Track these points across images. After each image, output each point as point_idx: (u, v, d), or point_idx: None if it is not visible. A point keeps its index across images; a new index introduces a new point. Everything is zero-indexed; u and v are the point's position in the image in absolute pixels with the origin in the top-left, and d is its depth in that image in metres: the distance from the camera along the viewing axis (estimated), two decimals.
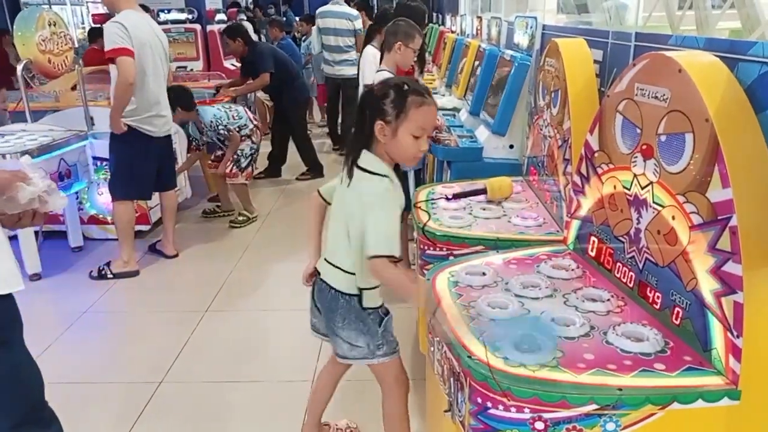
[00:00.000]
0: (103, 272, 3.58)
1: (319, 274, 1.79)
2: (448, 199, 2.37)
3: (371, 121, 1.61)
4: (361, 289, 1.72)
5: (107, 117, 3.52)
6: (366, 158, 1.64)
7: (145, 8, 6.26)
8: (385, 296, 1.80)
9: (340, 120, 6.46)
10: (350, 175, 1.65)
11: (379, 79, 2.98)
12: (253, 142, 4.42)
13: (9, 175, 1.39)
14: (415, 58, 3.29)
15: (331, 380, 1.99)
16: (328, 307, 1.76)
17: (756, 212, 1.17)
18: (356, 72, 5.02)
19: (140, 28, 3.36)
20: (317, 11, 6.20)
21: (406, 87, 1.61)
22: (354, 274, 1.70)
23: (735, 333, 1.18)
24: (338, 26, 5.97)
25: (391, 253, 1.56)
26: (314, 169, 5.67)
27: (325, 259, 1.77)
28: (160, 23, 4.72)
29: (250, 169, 4.50)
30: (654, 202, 1.43)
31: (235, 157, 4.33)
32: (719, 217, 1.21)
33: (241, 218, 4.48)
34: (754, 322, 1.15)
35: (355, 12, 6.07)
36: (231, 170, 4.36)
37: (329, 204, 1.81)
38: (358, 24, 5.96)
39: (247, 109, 4.51)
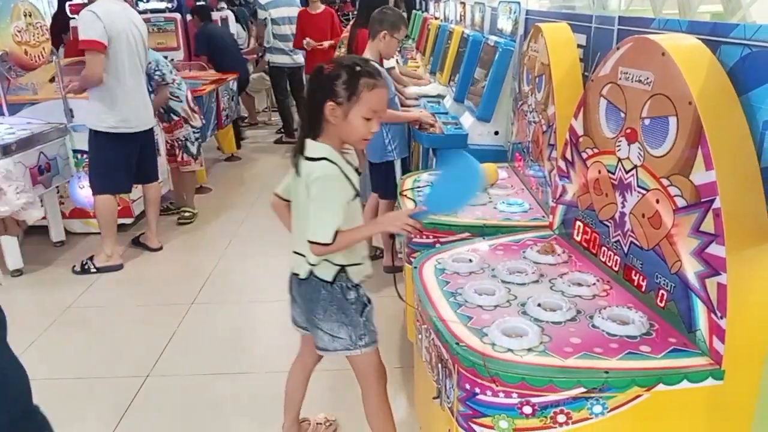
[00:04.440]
0: (86, 267, 3.53)
1: (294, 272, 1.76)
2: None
3: (321, 102, 1.59)
4: (343, 267, 1.69)
5: (87, 109, 3.47)
6: (310, 147, 1.64)
7: None
8: (365, 284, 1.79)
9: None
10: (296, 165, 1.64)
11: None
12: (192, 126, 4.29)
13: None
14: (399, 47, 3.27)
15: (303, 376, 1.98)
16: (309, 299, 1.73)
17: (739, 194, 1.18)
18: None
19: (115, 16, 3.29)
20: (265, 2, 6.18)
21: (358, 68, 1.59)
22: (327, 261, 1.69)
23: (719, 314, 1.19)
24: (293, 15, 5.95)
25: (318, 240, 1.59)
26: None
27: (296, 252, 1.73)
28: (139, 12, 4.63)
29: (201, 157, 4.40)
30: (638, 186, 1.44)
31: (180, 143, 4.23)
32: (703, 200, 1.21)
33: (187, 215, 4.31)
34: (737, 303, 1.16)
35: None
36: (182, 158, 4.26)
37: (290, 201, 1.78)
38: None
39: (189, 93, 4.31)
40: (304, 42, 5.57)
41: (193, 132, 4.31)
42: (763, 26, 1.17)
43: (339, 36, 5.62)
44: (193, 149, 4.31)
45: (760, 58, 1.17)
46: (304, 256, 1.70)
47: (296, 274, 1.75)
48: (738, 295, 1.16)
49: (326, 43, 5.52)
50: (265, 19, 6.12)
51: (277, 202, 1.80)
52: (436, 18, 6.02)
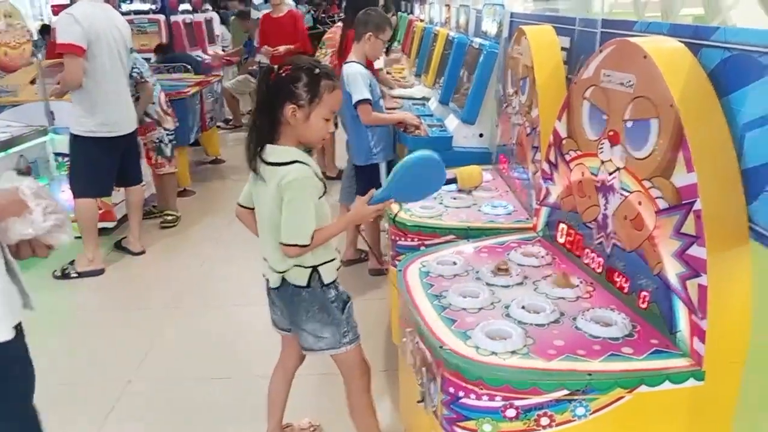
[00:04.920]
0: (67, 271, 3.48)
1: (267, 279, 1.76)
2: None
3: (281, 105, 1.58)
4: (315, 268, 1.68)
5: (68, 112, 3.43)
6: (272, 152, 1.62)
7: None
8: (350, 287, 1.79)
9: None
10: (258, 172, 1.62)
11: (349, 72, 2.97)
12: (165, 129, 4.22)
13: (5, 202, 1.15)
14: (384, 48, 3.27)
15: (285, 379, 1.97)
16: (290, 302, 1.73)
17: (719, 196, 1.19)
18: None
19: (95, 18, 3.24)
20: (258, 2, 6.17)
21: (317, 70, 1.60)
22: (298, 266, 1.68)
23: (699, 315, 1.19)
24: None
25: (297, 242, 1.60)
26: None
27: (269, 266, 1.73)
28: (122, 14, 4.59)
29: (176, 159, 4.35)
30: (621, 188, 1.44)
31: (153, 145, 4.17)
32: (684, 202, 1.22)
33: (170, 218, 4.26)
34: (717, 304, 1.17)
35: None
36: (157, 160, 4.20)
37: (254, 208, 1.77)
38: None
39: (162, 95, 4.26)
40: (263, 49, 5.39)
41: (167, 134, 4.23)
42: (742, 30, 1.18)
43: (302, 40, 5.40)
44: (167, 151, 4.23)
45: (740, 61, 1.18)
46: (270, 265, 1.71)
47: (268, 280, 1.74)
48: (718, 296, 1.17)
49: (282, 48, 5.22)
50: (258, 19, 6.09)
51: (242, 211, 1.80)
52: (421, 20, 6.03)
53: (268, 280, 1.77)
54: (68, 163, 3.72)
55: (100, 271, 3.53)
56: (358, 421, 1.85)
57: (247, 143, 1.64)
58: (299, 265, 1.67)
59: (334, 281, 1.73)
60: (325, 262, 1.70)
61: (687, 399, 1.23)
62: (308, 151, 1.72)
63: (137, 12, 7.05)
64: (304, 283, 1.68)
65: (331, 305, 1.71)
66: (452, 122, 3.08)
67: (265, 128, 1.62)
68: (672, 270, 1.27)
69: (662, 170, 1.28)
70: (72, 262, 3.51)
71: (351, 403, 1.85)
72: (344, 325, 1.74)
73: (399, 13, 7.76)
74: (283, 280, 1.70)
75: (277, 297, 1.77)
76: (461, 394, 1.25)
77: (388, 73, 4.67)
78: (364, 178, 3.15)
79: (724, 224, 1.18)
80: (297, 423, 2.11)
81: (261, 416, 2.03)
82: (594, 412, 1.21)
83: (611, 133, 1.48)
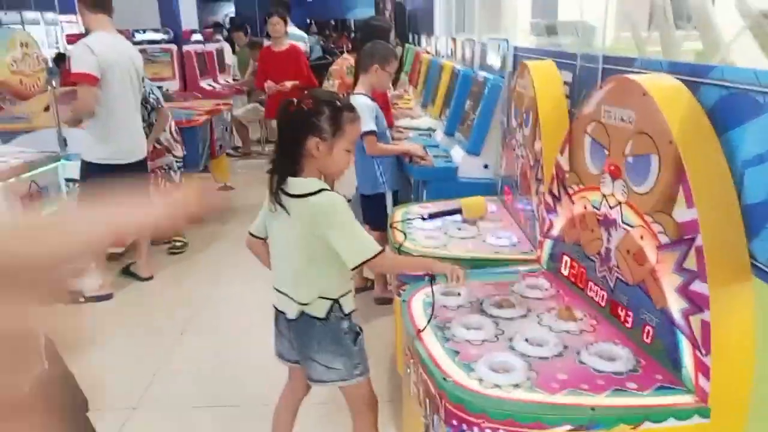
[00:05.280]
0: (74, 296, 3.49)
1: (281, 310, 1.76)
2: (423, 219, 2.38)
3: (303, 138, 1.59)
4: (337, 300, 1.68)
5: (81, 139, 3.49)
6: (296, 184, 1.62)
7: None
8: (356, 315, 1.79)
9: None
10: (282, 205, 1.62)
11: (355, 104, 3.02)
12: (174, 156, 4.28)
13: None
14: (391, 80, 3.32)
15: (290, 410, 1.95)
16: (303, 334, 1.72)
17: (720, 232, 1.20)
18: None
19: (108, 48, 3.32)
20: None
21: (338, 103, 1.64)
22: (321, 298, 1.68)
23: (703, 351, 1.19)
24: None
25: (374, 252, 1.59)
26: None
27: (280, 291, 1.73)
28: (135, 43, 4.70)
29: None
30: (623, 222, 1.46)
31: (162, 171, 4.20)
32: (685, 237, 1.23)
33: (179, 244, 4.27)
34: (721, 340, 1.17)
35: (303, 33, 6.15)
36: (164, 187, 4.20)
37: (265, 239, 1.77)
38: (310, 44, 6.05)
39: (172, 123, 4.30)
40: (266, 85, 5.14)
41: (176, 161, 4.29)
42: (738, 69, 1.21)
43: (307, 75, 5.21)
44: (176, 178, 4.29)
45: (738, 99, 1.20)
46: (291, 297, 1.70)
47: (282, 313, 1.74)
48: (721, 332, 1.17)
49: (288, 84, 5.01)
50: None
51: (254, 241, 1.81)
52: (428, 52, 6.13)
53: (279, 311, 1.77)
54: (79, 189, 3.78)
55: (109, 296, 3.55)
56: None
57: (270, 177, 1.64)
58: (323, 297, 1.67)
59: (349, 313, 1.72)
60: (346, 293, 1.71)
61: None
62: None
63: (150, 42, 7.20)
64: (322, 315, 1.68)
65: (344, 336, 1.70)
66: (458, 153, 3.11)
67: (287, 161, 1.63)
68: (675, 305, 1.27)
69: (663, 205, 1.30)
70: None
71: None
72: (356, 357, 1.73)
73: (406, 44, 7.89)
74: (302, 313, 1.70)
75: (289, 329, 1.75)
76: (464, 427, 1.25)
77: (393, 104, 4.74)
78: (372, 207, 3.18)
79: (725, 260, 1.19)
80: None
81: None
82: None
83: (612, 168, 1.50)
